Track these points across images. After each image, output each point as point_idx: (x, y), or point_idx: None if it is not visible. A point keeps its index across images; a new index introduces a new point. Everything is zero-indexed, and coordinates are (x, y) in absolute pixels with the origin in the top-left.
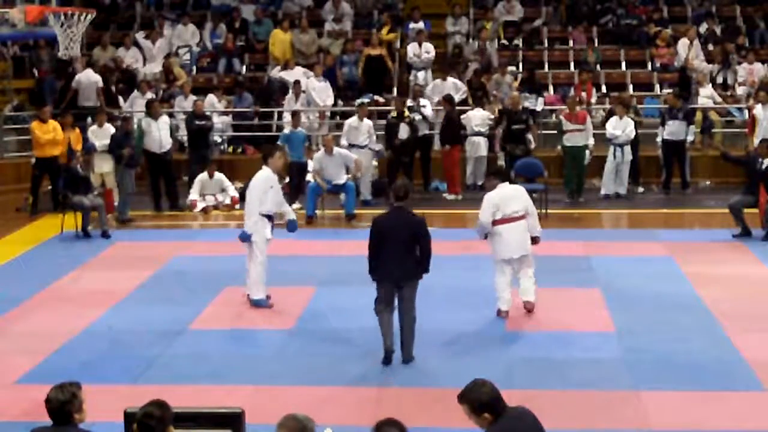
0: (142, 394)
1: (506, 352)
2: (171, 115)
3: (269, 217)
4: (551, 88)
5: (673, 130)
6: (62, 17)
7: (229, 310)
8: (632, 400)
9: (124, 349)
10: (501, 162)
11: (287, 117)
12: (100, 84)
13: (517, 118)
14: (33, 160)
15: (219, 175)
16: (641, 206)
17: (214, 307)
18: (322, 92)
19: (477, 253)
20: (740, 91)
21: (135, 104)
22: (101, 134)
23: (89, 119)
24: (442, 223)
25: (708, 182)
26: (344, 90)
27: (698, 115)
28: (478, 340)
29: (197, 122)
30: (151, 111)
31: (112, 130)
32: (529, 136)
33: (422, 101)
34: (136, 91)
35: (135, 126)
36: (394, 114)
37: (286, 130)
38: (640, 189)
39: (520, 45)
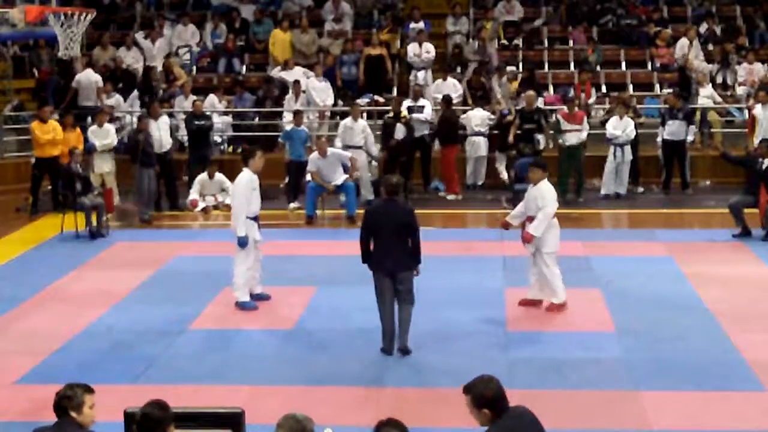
0: (142, 394)
1: (506, 352)
2: (171, 115)
3: (254, 219)
4: (551, 88)
5: (673, 130)
6: (62, 17)
7: (230, 310)
8: (632, 400)
9: (124, 349)
10: (498, 164)
11: (287, 116)
12: (101, 84)
13: (530, 117)
14: (33, 160)
15: (219, 176)
16: (641, 206)
17: (214, 307)
18: (322, 92)
19: (477, 254)
20: (740, 91)
21: (135, 104)
22: (101, 134)
23: (89, 119)
24: (442, 223)
25: (708, 182)
26: (344, 90)
27: (697, 115)
28: (478, 340)
29: (197, 122)
30: (151, 111)
31: (113, 129)
32: (539, 137)
33: (422, 101)
34: (135, 91)
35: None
36: (390, 114)
37: (288, 127)
38: (640, 189)
39: (520, 45)
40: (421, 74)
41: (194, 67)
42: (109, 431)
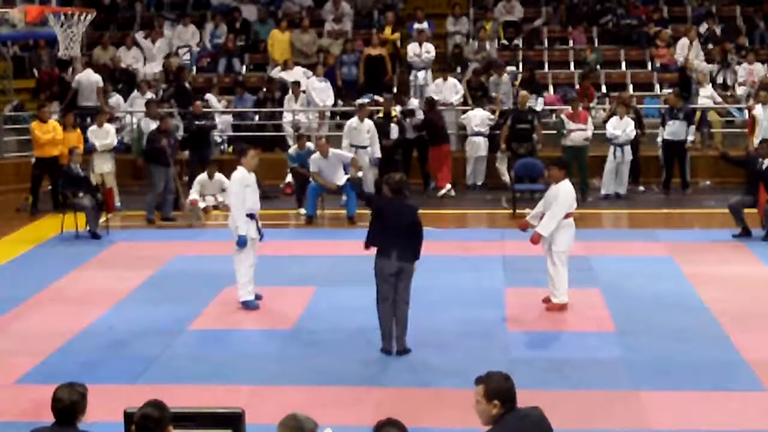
0: (142, 394)
1: (506, 352)
2: (171, 115)
3: (251, 216)
4: (551, 88)
5: (673, 130)
6: (62, 17)
7: (229, 310)
8: (632, 400)
9: (124, 349)
10: (499, 164)
11: (287, 116)
12: (101, 84)
13: (523, 117)
14: (33, 160)
15: (219, 176)
16: (641, 206)
17: (214, 307)
18: (322, 92)
19: (477, 254)
20: (740, 91)
21: (135, 104)
22: (101, 134)
23: (89, 119)
24: (442, 223)
25: (708, 182)
26: (344, 90)
27: (698, 115)
28: (478, 340)
29: (197, 122)
30: (150, 111)
31: (113, 130)
32: (534, 136)
33: (413, 102)
34: (136, 91)
35: (135, 126)
36: (380, 115)
37: (291, 151)
38: (641, 188)
39: (520, 45)
40: (421, 74)
41: (194, 67)
42: (109, 431)
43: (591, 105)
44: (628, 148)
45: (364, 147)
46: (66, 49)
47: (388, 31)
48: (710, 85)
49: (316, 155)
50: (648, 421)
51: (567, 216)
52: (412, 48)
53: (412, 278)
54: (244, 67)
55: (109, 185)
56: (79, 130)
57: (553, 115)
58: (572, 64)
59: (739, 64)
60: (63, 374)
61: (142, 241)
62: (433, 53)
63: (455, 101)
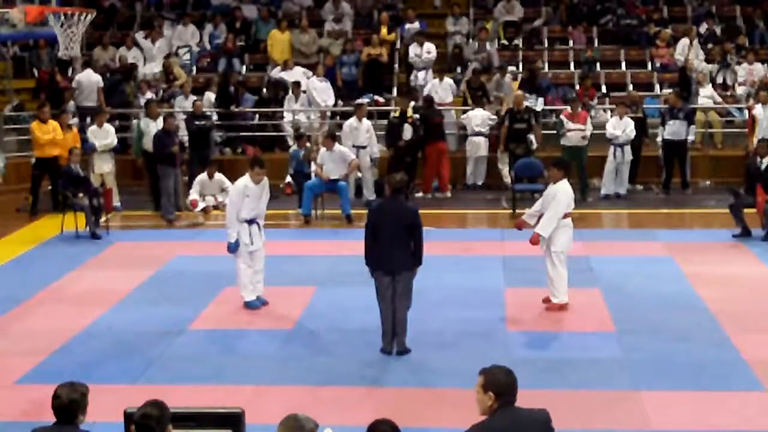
0: (142, 394)
1: (506, 352)
2: (171, 115)
3: (249, 222)
4: (551, 88)
5: (673, 129)
6: (62, 17)
7: (229, 310)
8: (632, 400)
9: (124, 349)
10: (501, 165)
11: (287, 116)
12: (101, 84)
13: (520, 117)
14: (33, 160)
15: (219, 176)
16: (641, 206)
17: (214, 307)
18: (323, 92)
19: (476, 254)
20: (740, 91)
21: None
22: (101, 134)
23: (89, 119)
24: (442, 223)
25: (708, 182)
26: (343, 90)
27: (700, 116)
28: (478, 340)
29: (197, 122)
30: (150, 111)
31: (113, 130)
32: (531, 137)
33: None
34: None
35: (135, 126)
36: (396, 114)
37: (292, 150)
38: (639, 187)
39: (520, 45)
40: (421, 74)
41: (194, 67)
42: (109, 431)
43: (592, 102)
44: (628, 148)
45: (364, 147)
46: (66, 49)
47: (384, 31)
48: (710, 85)
49: (323, 150)
50: (648, 421)
51: (565, 216)
52: (413, 48)
53: (411, 282)
54: (244, 67)
55: (109, 185)
56: (75, 130)
57: (553, 115)
58: (572, 64)
59: (739, 64)
60: (63, 374)
61: (142, 241)
62: (434, 53)
63: (450, 100)
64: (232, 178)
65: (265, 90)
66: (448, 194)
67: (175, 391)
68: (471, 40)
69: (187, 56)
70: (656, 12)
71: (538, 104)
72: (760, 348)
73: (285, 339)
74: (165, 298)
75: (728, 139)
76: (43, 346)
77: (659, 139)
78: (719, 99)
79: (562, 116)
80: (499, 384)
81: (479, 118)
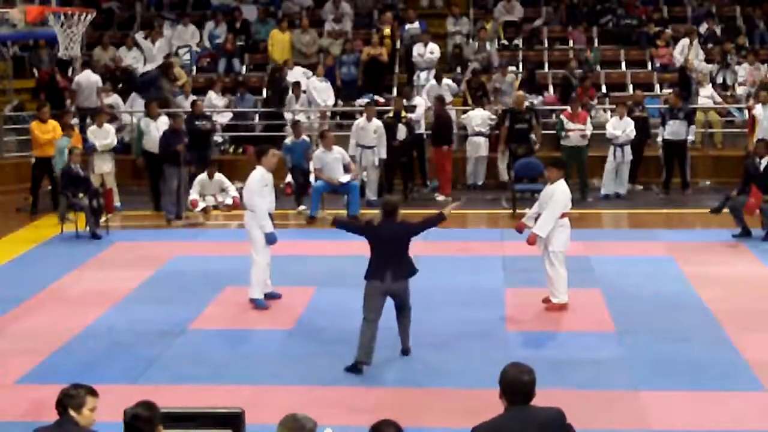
0: (142, 394)
1: (506, 352)
2: (177, 115)
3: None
4: (551, 88)
5: (674, 129)
6: (62, 17)
7: (229, 310)
8: (632, 400)
9: (124, 349)
10: (500, 164)
11: (287, 116)
12: (100, 84)
13: (521, 117)
14: (33, 160)
15: (219, 176)
16: (641, 206)
17: (214, 307)
18: (323, 92)
19: (476, 254)
20: (740, 91)
21: (135, 104)
22: (101, 134)
23: (89, 119)
24: (442, 223)
25: (708, 182)
26: (343, 90)
27: (700, 116)
28: (478, 340)
29: (197, 123)
30: (150, 111)
31: (113, 130)
32: (532, 136)
33: (417, 100)
34: (133, 91)
35: (135, 126)
36: (390, 114)
37: (288, 141)
38: (639, 187)
39: (520, 45)
40: (424, 74)
41: (194, 67)
42: (109, 431)
43: (591, 103)
44: (628, 148)
45: (371, 147)
46: (66, 49)
47: (387, 31)
48: (710, 85)
49: (319, 151)
50: (648, 421)
51: (562, 216)
52: (417, 48)
53: (408, 291)
54: (244, 67)
55: (109, 185)
56: (77, 130)
57: (553, 115)
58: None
59: (739, 64)
60: (63, 374)
61: (142, 241)
62: (437, 54)
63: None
64: (233, 178)
65: (270, 91)
66: (449, 198)
67: (174, 391)
68: (471, 40)
69: (187, 56)
70: (656, 12)
71: (537, 104)
72: (760, 348)
73: (285, 339)
74: (165, 298)
75: (728, 139)
76: (43, 346)
77: (659, 139)
78: (719, 99)
79: (562, 116)
80: (510, 384)
81: (479, 118)
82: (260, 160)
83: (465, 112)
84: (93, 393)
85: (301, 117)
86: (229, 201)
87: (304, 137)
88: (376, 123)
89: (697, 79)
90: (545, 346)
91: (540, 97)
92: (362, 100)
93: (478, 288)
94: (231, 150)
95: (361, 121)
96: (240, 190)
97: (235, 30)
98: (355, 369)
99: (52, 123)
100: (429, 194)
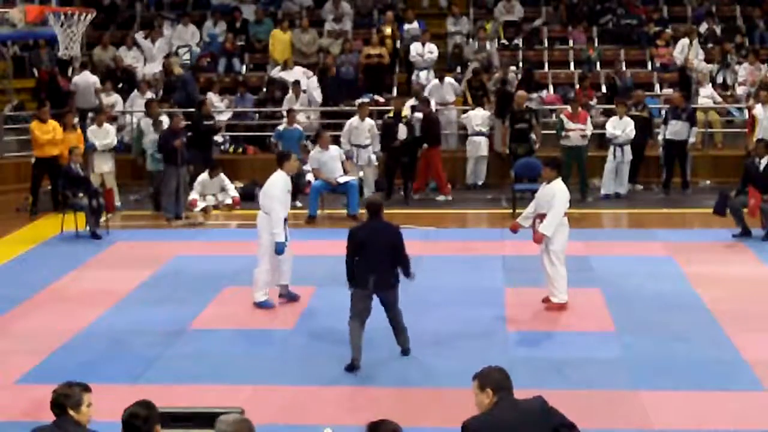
0: (142, 394)
1: (506, 352)
2: (176, 114)
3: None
4: (551, 87)
5: (675, 129)
6: (62, 17)
7: (229, 310)
8: (632, 400)
9: (124, 349)
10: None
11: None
12: (98, 85)
13: (521, 117)
14: (33, 160)
15: (219, 175)
16: (641, 206)
17: (214, 307)
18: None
19: (476, 254)
20: (740, 91)
21: (135, 104)
22: (101, 134)
23: (88, 120)
24: (441, 223)
25: (708, 182)
26: (343, 90)
27: (700, 116)
28: (478, 340)
29: (206, 123)
30: (150, 111)
31: (113, 130)
32: (533, 136)
33: (412, 101)
34: (135, 91)
35: (135, 125)
36: (390, 114)
37: (281, 127)
38: (639, 187)
39: (520, 45)
40: (423, 74)
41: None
42: (109, 431)
43: (591, 103)
44: (628, 148)
45: (365, 146)
46: (66, 49)
47: (388, 30)
48: (710, 85)
49: (315, 150)
50: (648, 421)
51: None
52: (415, 48)
53: (397, 295)
54: (244, 67)
55: (109, 185)
56: (79, 130)
57: (553, 115)
58: (572, 64)
59: (739, 64)
60: (63, 374)
61: (142, 241)
62: (436, 53)
63: (452, 100)
64: (233, 178)
65: (265, 89)
66: (450, 197)
67: (175, 391)
68: (471, 40)
69: (187, 56)
70: (656, 12)
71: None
72: (760, 348)
73: (285, 339)
74: (165, 298)
75: (728, 139)
76: (43, 346)
77: (660, 138)
78: (719, 99)
79: (562, 116)
80: (494, 379)
81: (479, 117)
82: (282, 165)
83: (465, 112)
84: (87, 389)
85: (300, 117)
86: (228, 201)
87: (297, 126)
88: (370, 122)
89: (697, 79)
90: (545, 346)
91: (536, 95)
92: (361, 100)
93: (478, 288)
94: (231, 150)
95: (354, 120)
96: (240, 190)
97: (234, 30)
98: (351, 368)
99: (52, 123)
100: (430, 194)
